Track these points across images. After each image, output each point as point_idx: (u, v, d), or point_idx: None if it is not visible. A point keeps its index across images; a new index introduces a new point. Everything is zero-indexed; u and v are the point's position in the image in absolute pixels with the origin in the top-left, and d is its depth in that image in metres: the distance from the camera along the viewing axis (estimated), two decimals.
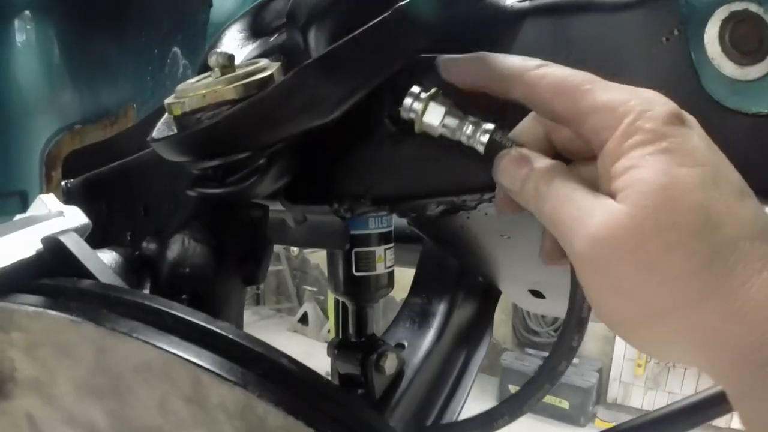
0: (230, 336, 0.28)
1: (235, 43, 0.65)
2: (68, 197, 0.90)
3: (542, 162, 0.38)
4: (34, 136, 1.01)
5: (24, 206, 1.01)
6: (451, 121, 0.42)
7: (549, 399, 3.84)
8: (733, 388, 0.33)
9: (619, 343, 3.99)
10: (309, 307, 5.89)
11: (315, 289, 6.04)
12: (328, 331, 5.32)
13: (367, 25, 0.43)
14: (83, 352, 0.29)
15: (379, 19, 0.43)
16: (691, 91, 0.41)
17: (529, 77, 0.38)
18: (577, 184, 0.36)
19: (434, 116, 0.42)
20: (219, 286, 0.44)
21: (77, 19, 0.98)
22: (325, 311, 5.77)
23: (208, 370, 0.25)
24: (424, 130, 0.43)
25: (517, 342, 4.37)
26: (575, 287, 0.41)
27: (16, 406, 0.35)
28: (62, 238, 0.35)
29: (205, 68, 0.61)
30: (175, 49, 1.05)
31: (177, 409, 0.27)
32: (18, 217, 0.48)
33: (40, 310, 0.30)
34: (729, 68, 0.40)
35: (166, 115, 0.54)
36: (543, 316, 4.16)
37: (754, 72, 0.39)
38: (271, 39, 0.64)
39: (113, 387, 0.29)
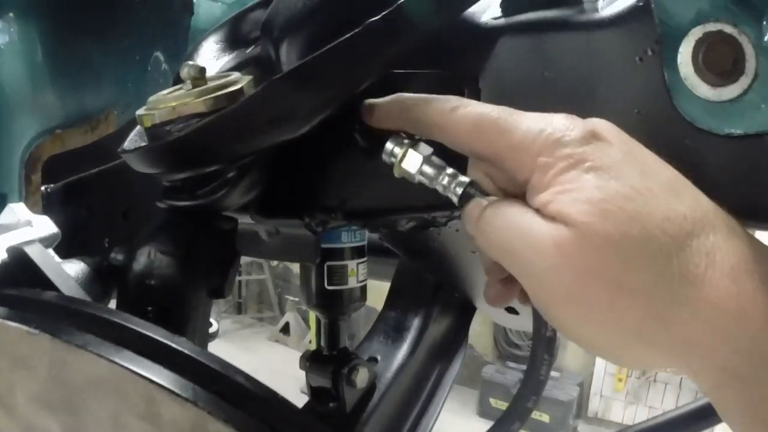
0: (186, 352, 0.28)
1: (211, 53, 0.65)
2: (48, 201, 0.90)
3: (492, 199, 0.38)
4: (14, 138, 1.00)
5: (2, 209, 1.00)
6: (429, 170, 0.42)
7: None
8: (707, 383, 0.33)
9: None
10: (291, 317, 5.86)
11: (297, 298, 6.01)
12: (310, 342, 5.29)
13: (338, 40, 0.43)
14: (39, 364, 0.29)
15: (350, 34, 0.43)
16: (663, 111, 0.41)
17: (446, 122, 0.39)
18: (525, 208, 0.35)
19: (412, 164, 0.43)
20: (185, 300, 0.44)
21: (62, 21, 0.97)
22: (307, 321, 5.75)
23: (161, 386, 0.25)
24: (402, 175, 0.44)
25: (498, 355, 4.38)
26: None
27: None
28: (26, 249, 0.35)
29: (179, 79, 0.61)
30: (157, 54, 1.05)
31: (130, 425, 0.27)
32: None
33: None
34: (702, 89, 0.40)
35: (138, 127, 0.54)
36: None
37: (726, 93, 0.39)
38: (248, 51, 0.64)
39: (68, 400, 0.29)
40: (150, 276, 0.43)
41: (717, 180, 0.41)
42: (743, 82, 0.39)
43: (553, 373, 4.04)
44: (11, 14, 0.95)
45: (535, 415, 3.82)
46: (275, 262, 5.96)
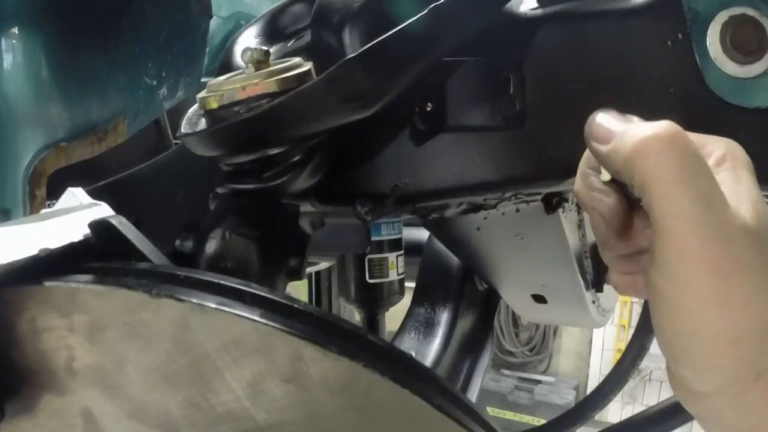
0: (317, 314, 0.27)
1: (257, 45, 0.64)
2: None
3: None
4: (18, 152, 0.98)
5: None
6: None
7: (527, 419, 3.83)
8: None
9: (595, 360, 4.03)
10: None
11: None
12: None
13: (407, 21, 0.44)
14: (160, 333, 0.28)
15: (418, 16, 0.44)
16: (696, 89, 0.44)
17: None
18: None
19: None
20: (264, 281, 0.43)
21: (66, 32, 0.96)
22: None
23: (312, 341, 0.25)
24: None
25: (492, 363, 4.38)
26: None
27: (70, 402, 0.33)
28: (113, 221, 0.34)
29: (223, 69, 0.60)
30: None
31: (270, 390, 0.26)
32: (45, 210, 0.46)
33: (111, 287, 0.29)
34: (730, 67, 0.42)
35: (189, 112, 0.54)
36: (517, 336, 4.17)
37: (753, 70, 0.42)
38: (290, 43, 0.64)
39: (194, 371, 0.28)
40: (225, 258, 0.42)
41: (752, 150, 0.43)
42: None
43: (547, 378, 4.04)
44: (15, 29, 0.93)
45: (533, 420, 3.82)
46: None
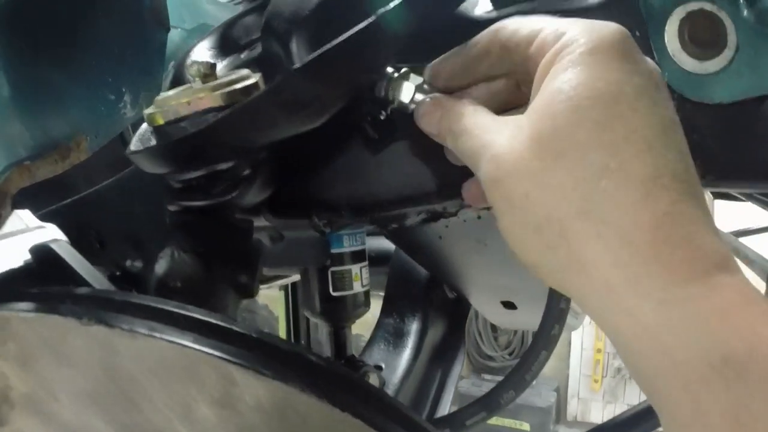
0: (254, 335, 0.26)
1: (205, 58, 0.63)
2: None
3: (453, 100, 0.40)
4: None
5: None
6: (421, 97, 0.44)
7: (509, 422, 3.83)
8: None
9: (575, 361, 4.04)
10: None
11: (266, 329, 5.91)
12: None
13: (355, 28, 0.43)
14: (90, 359, 0.27)
15: (366, 22, 0.43)
16: None
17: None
18: (487, 112, 0.38)
19: (405, 95, 0.44)
20: (212, 299, 0.42)
21: (22, 48, 0.94)
22: None
23: (243, 366, 0.24)
24: (398, 108, 0.45)
25: (473, 368, 4.37)
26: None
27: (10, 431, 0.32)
28: (53, 246, 0.33)
29: (175, 83, 0.59)
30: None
31: (203, 416, 0.25)
32: None
33: (42, 314, 0.27)
34: (689, 64, 0.42)
35: (141, 129, 0.53)
36: (496, 340, 4.17)
37: (712, 66, 0.41)
38: (242, 55, 0.63)
39: (126, 395, 0.27)
40: (174, 277, 0.41)
41: (707, 148, 0.43)
42: (727, 54, 0.41)
43: None
44: None
45: (515, 424, 3.82)
46: None
